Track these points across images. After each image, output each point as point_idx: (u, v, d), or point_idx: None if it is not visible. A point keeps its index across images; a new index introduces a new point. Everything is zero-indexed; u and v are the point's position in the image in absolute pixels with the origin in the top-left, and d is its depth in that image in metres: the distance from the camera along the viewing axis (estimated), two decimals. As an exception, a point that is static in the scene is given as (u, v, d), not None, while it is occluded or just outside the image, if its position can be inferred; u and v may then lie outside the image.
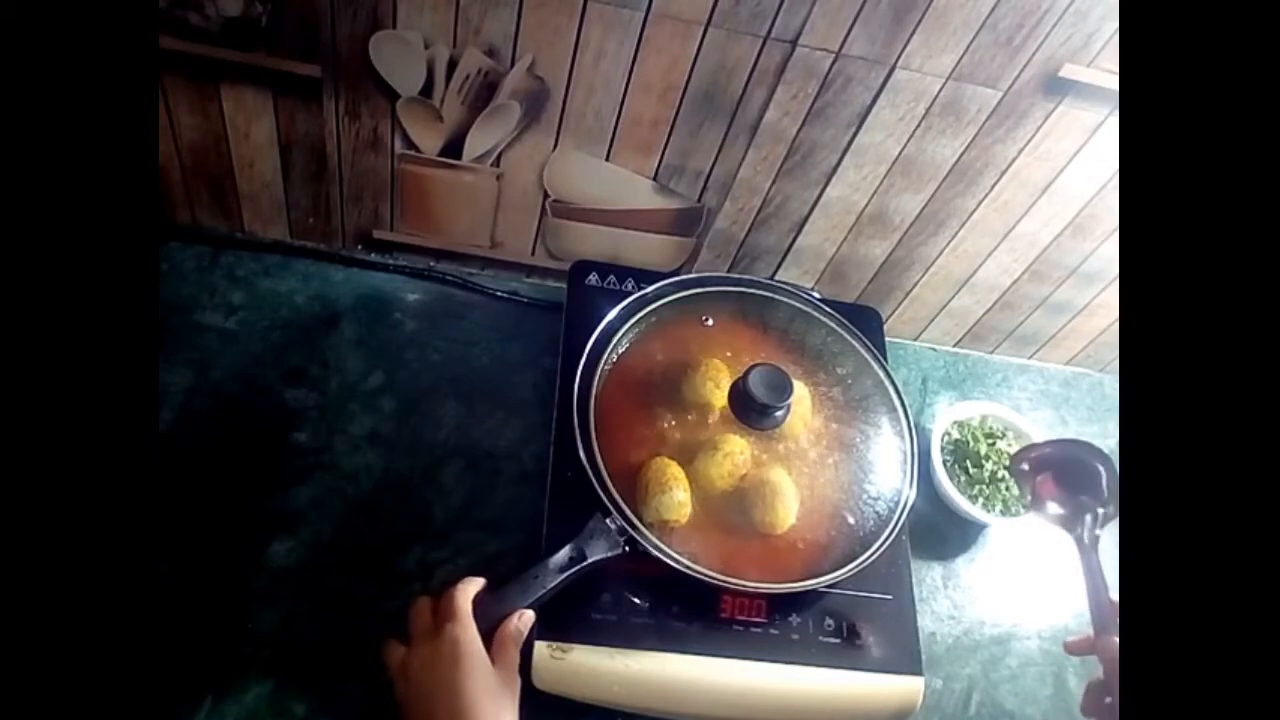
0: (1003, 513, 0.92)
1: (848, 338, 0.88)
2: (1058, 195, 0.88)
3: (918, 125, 0.81)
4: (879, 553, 0.76)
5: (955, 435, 0.96)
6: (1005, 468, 0.93)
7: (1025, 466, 0.88)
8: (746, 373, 0.77)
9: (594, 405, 0.78)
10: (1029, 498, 0.87)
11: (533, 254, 0.97)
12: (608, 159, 0.86)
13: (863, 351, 0.87)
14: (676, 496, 0.74)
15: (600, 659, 0.70)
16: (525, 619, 0.65)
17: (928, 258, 0.97)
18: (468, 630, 0.62)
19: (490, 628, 0.65)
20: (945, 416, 0.96)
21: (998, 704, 0.85)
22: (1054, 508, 0.83)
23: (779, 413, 0.78)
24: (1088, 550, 0.77)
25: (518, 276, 1.00)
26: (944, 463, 0.93)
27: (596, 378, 0.80)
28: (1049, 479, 0.85)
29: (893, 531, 0.77)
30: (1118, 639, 0.67)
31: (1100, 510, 0.80)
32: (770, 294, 0.90)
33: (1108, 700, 0.68)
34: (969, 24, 0.72)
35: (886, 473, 0.83)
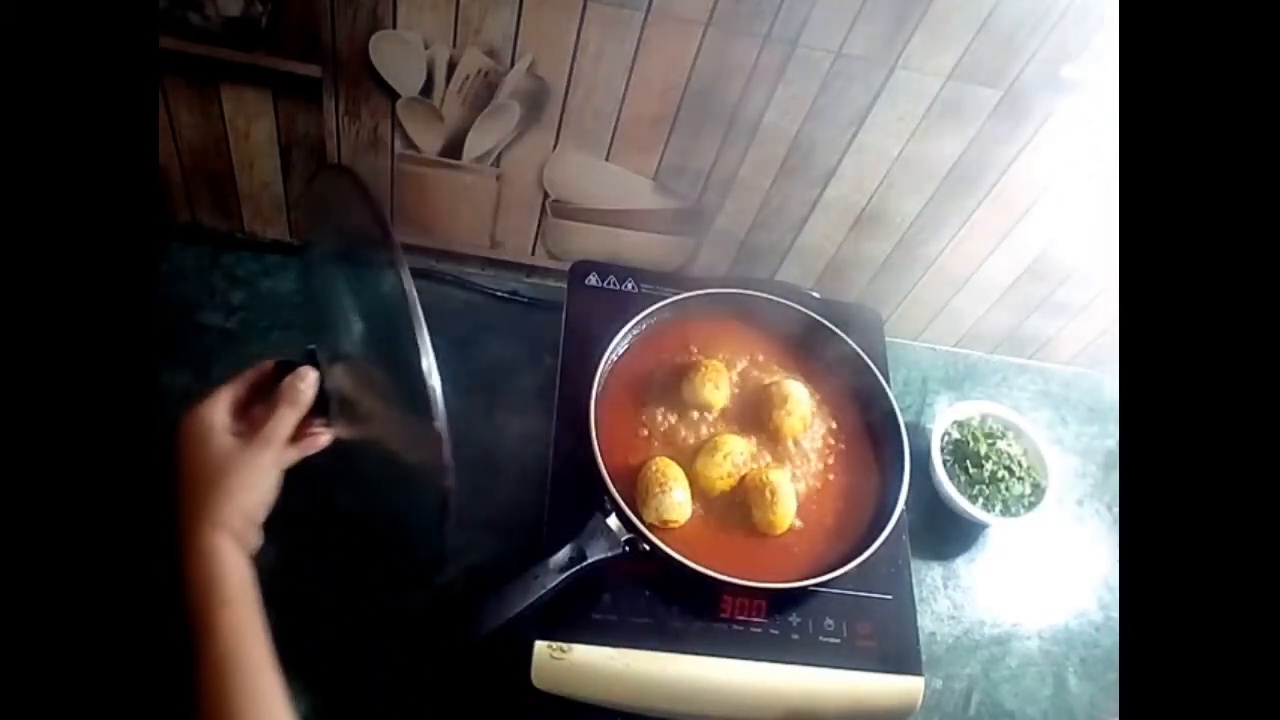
0: (1003, 513, 0.92)
1: (847, 338, 0.88)
2: (1058, 195, 0.88)
3: (918, 125, 0.81)
4: (877, 551, 0.76)
5: (955, 435, 0.96)
6: (1005, 468, 0.93)
7: None
8: None
9: (594, 405, 0.78)
10: None
11: (533, 254, 0.97)
12: (608, 159, 0.86)
13: (862, 352, 0.88)
14: (676, 496, 0.74)
15: (600, 659, 0.70)
16: (306, 376, 0.62)
17: (928, 258, 0.97)
18: (208, 405, 0.59)
19: (493, 629, 0.65)
20: (945, 416, 0.96)
21: (998, 704, 0.85)
22: None
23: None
24: None
25: (518, 276, 1.00)
26: (944, 463, 0.93)
27: (596, 378, 0.80)
28: None
29: (890, 530, 0.77)
30: None
31: None
32: (770, 294, 0.90)
33: None
34: (969, 24, 0.72)
35: (884, 472, 0.83)
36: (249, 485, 0.58)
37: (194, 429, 0.59)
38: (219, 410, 0.60)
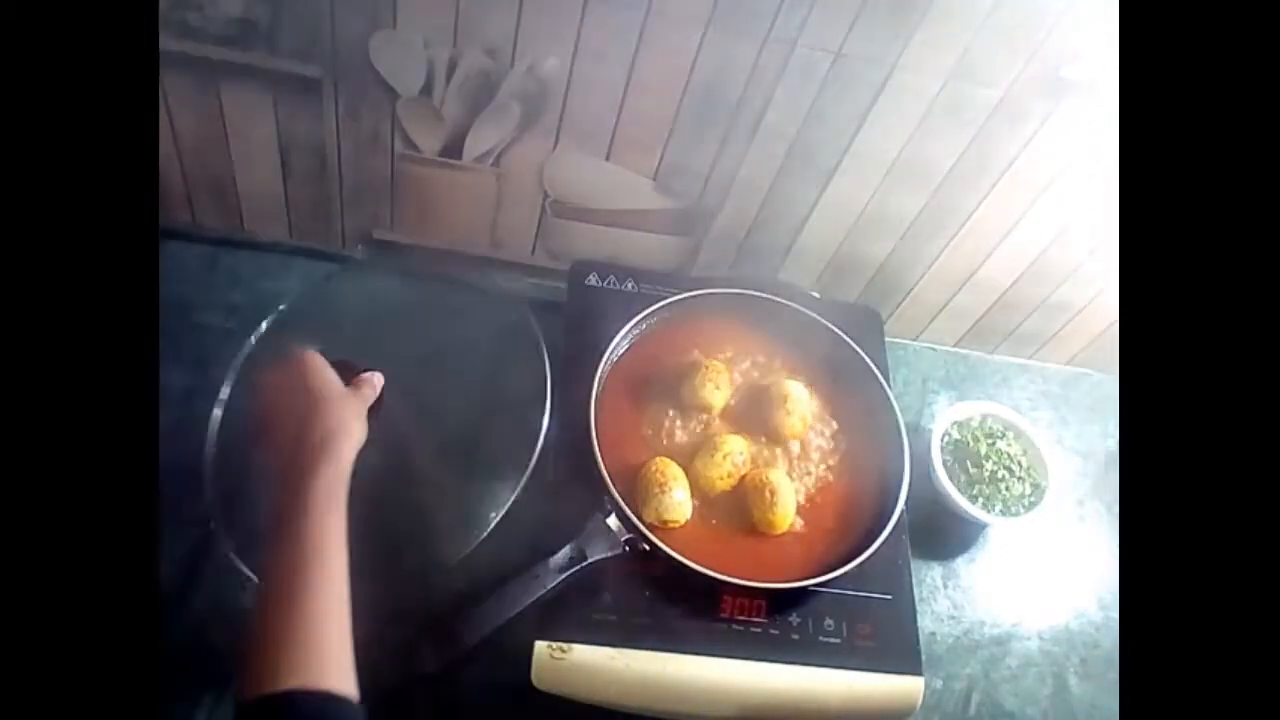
0: (1003, 513, 0.92)
1: (846, 338, 0.88)
2: (1058, 195, 0.88)
3: (918, 125, 0.81)
4: (876, 551, 0.76)
5: (955, 435, 0.96)
6: (1005, 468, 0.93)
7: None
8: None
9: (594, 405, 0.78)
10: None
11: (533, 254, 0.97)
12: (608, 159, 0.86)
13: (861, 352, 0.88)
14: (676, 496, 0.74)
15: (600, 659, 0.70)
16: (379, 380, 0.69)
17: (928, 258, 0.97)
18: (312, 355, 0.65)
19: (493, 628, 0.65)
20: (945, 416, 0.96)
21: (998, 704, 0.85)
22: None
23: None
24: None
25: (518, 276, 1.00)
26: (944, 463, 0.93)
27: (597, 378, 0.80)
28: None
29: (890, 530, 0.77)
30: None
31: None
32: (770, 294, 0.90)
33: None
34: (969, 24, 0.72)
35: (884, 472, 0.83)
36: (362, 424, 0.63)
37: (316, 364, 0.65)
38: (321, 361, 0.66)
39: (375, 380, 0.68)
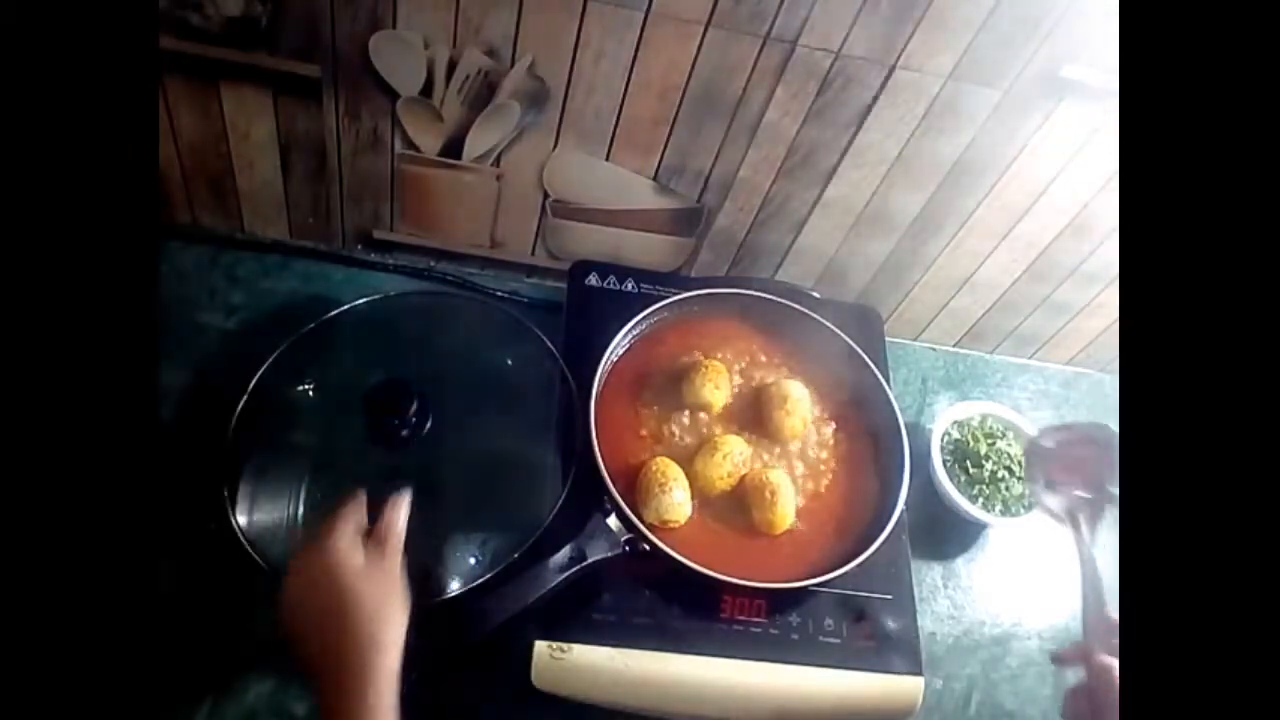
0: (1003, 513, 0.92)
1: (846, 338, 0.88)
2: (1058, 195, 0.88)
3: (918, 125, 0.81)
4: (877, 551, 0.76)
5: (955, 435, 0.96)
6: (1005, 468, 0.93)
7: (1048, 444, 0.77)
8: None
9: (594, 405, 0.78)
10: (1040, 483, 0.76)
11: (533, 254, 0.97)
12: (608, 159, 0.86)
13: (861, 351, 0.88)
14: (676, 496, 0.74)
15: (600, 659, 0.70)
16: (400, 502, 0.65)
17: (928, 258, 0.97)
18: (334, 536, 0.61)
19: (492, 628, 0.65)
20: (945, 416, 0.96)
21: (998, 704, 0.85)
22: (1052, 498, 0.74)
23: (403, 428, 0.76)
24: (1086, 550, 0.70)
25: (518, 276, 1.00)
26: (944, 463, 0.93)
27: (597, 378, 0.80)
28: (1059, 466, 0.75)
29: (890, 530, 0.77)
30: (1106, 654, 0.65)
31: (1104, 507, 0.72)
32: (770, 294, 0.90)
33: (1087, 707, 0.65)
34: (969, 24, 0.72)
35: (883, 472, 0.83)
36: (401, 593, 0.62)
37: (340, 548, 0.61)
38: (346, 537, 0.62)
39: (400, 511, 0.65)
